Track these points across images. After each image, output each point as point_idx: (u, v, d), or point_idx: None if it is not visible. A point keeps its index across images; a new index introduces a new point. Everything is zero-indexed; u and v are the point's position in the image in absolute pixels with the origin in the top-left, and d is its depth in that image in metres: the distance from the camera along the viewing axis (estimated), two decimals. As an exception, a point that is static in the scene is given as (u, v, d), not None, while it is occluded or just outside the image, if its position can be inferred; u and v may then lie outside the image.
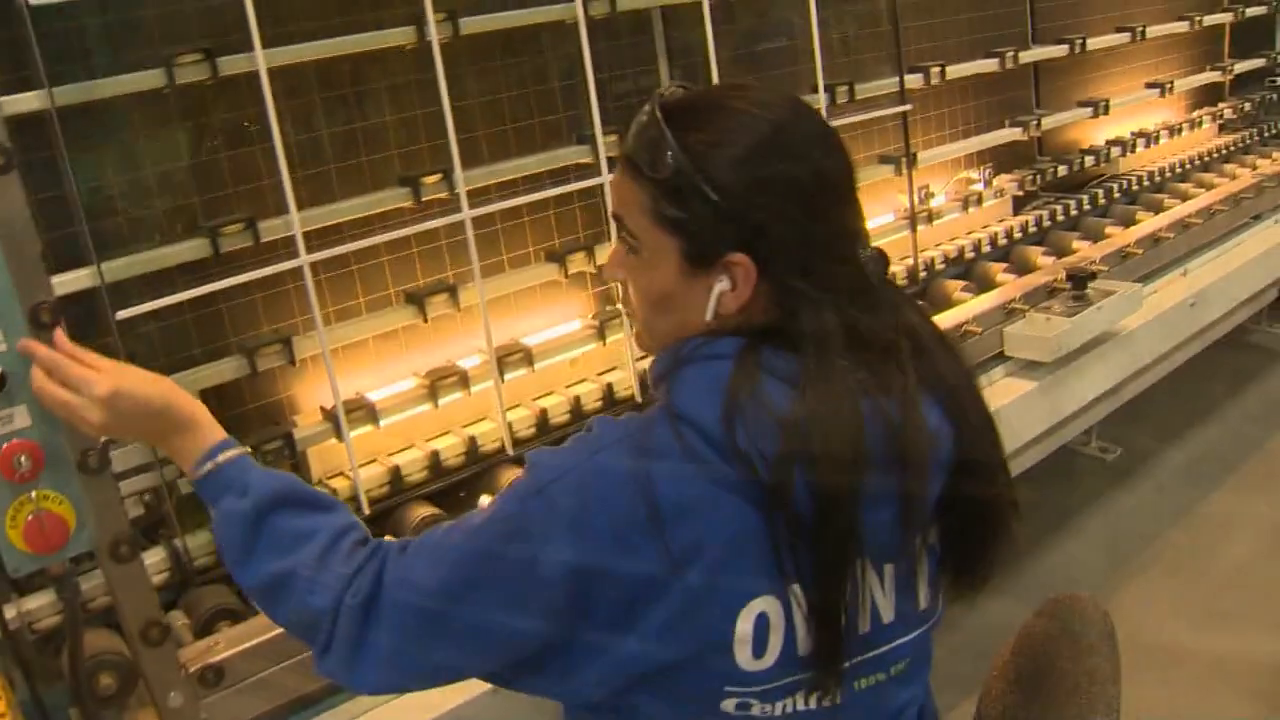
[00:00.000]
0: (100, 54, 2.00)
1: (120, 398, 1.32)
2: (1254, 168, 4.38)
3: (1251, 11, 4.74)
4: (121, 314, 1.86)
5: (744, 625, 1.12)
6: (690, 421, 1.12)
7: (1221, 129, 4.80)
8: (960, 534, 1.25)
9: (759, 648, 1.13)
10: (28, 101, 1.79)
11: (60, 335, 1.43)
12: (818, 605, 1.12)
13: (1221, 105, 4.74)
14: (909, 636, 1.25)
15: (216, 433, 1.38)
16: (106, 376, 1.33)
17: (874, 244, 1.21)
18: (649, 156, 1.16)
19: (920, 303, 1.34)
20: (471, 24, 2.27)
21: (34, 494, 1.46)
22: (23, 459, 1.43)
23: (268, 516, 1.29)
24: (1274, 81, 5.04)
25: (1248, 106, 4.83)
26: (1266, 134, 4.83)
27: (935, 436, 1.17)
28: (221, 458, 1.34)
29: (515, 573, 1.12)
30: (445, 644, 1.16)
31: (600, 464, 1.13)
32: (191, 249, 2.02)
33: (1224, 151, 4.55)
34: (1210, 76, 4.61)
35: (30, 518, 1.46)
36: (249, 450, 1.40)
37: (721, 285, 1.16)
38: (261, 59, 1.96)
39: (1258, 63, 4.90)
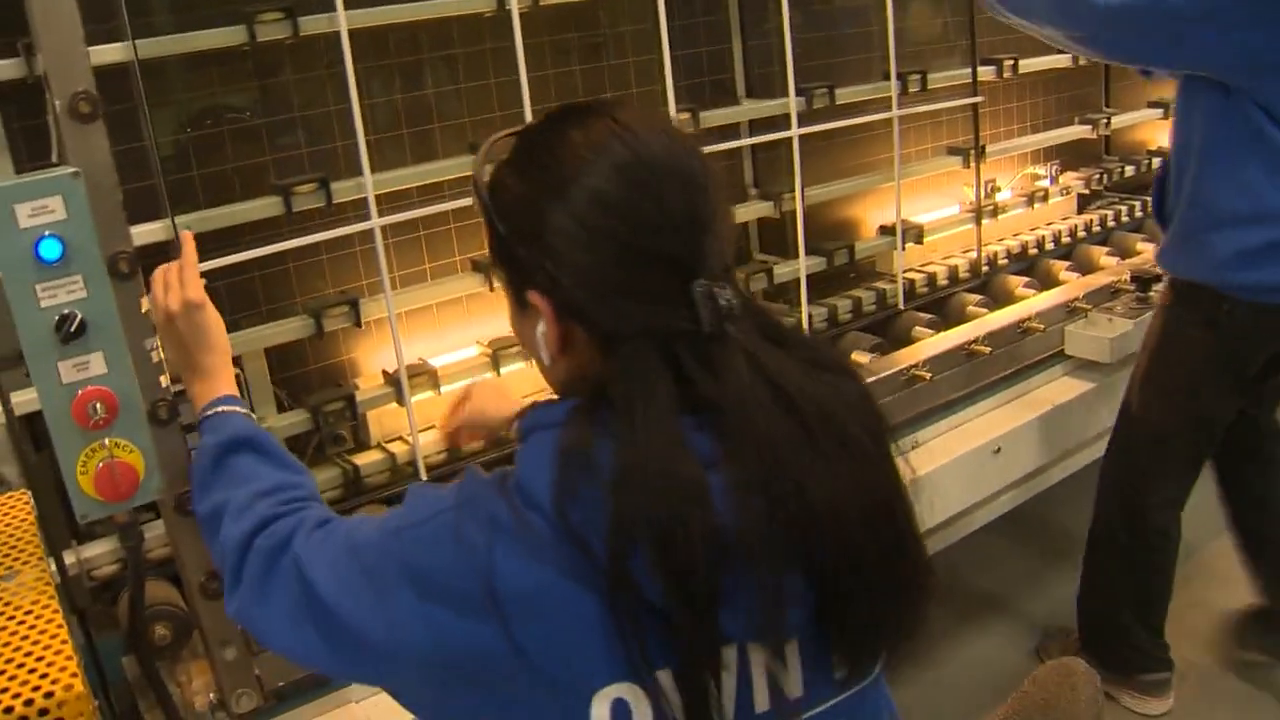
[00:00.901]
0: (183, 8, 2.00)
1: (194, 312, 1.49)
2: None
3: None
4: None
5: (600, 711, 1.02)
6: (529, 498, 1.03)
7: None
8: (855, 608, 1.08)
9: None
10: (112, 53, 1.80)
11: (189, 239, 1.56)
12: (684, 694, 1.01)
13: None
14: (832, 702, 1.12)
15: (226, 388, 1.52)
16: (199, 294, 1.50)
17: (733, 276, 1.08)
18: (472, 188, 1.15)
19: (817, 342, 1.20)
20: (551, -5, 2.27)
21: (107, 442, 1.46)
22: (98, 406, 1.43)
23: (229, 455, 1.41)
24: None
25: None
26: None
27: (802, 501, 1.01)
28: (222, 408, 1.48)
29: (375, 603, 1.08)
30: (314, 635, 1.15)
31: (451, 524, 1.06)
32: (265, 206, 2.03)
33: None
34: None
35: (101, 465, 1.47)
36: (247, 412, 1.51)
37: (541, 326, 1.10)
38: (344, 19, 1.95)
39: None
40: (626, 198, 1.04)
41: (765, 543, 0.99)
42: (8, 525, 1.66)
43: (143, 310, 1.55)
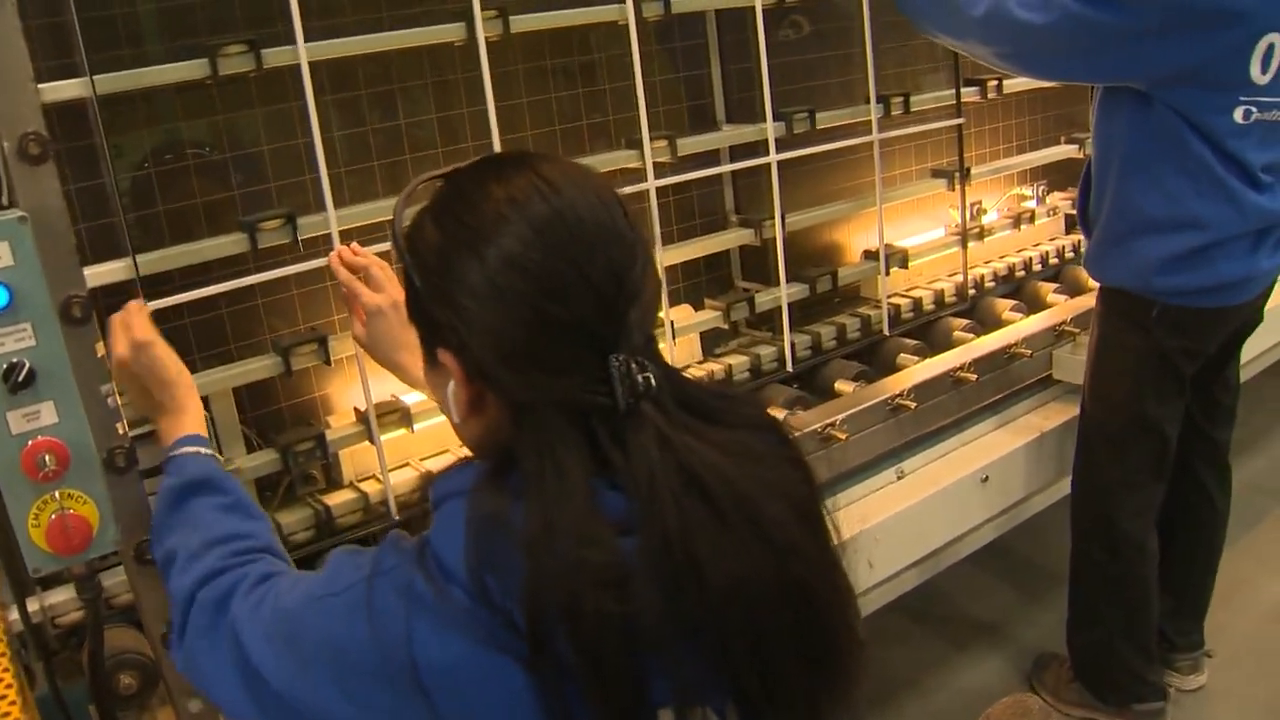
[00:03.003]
0: (143, 42, 1.97)
1: (143, 352, 1.52)
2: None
3: None
4: (154, 304, 1.82)
5: None
6: (445, 570, 1.01)
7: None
8: (772, 684, 1.02)
9: None
10: (70, 89, 1.76)
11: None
12: None
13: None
14: None
15: (191, 427, 1.53)
16: (146, 332, 1.53)
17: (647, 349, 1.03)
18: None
19: (744, 416, 1.09)
20: (522, 22, 2.22)
21: (58, 494, 1.42)
22: (48, 457, 1.39)
23: (187, 499, 1.43)
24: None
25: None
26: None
27: (701, 583, 0.96)
28: (184, 449, 1.50)
29: (298, 672, 1.07)
30: (248, 696, 1.14)
31: (367, 596, 1.03)
32: (230, 244, 1.98)
33: None
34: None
35: (53, 518, 1.42)
36: (211, 453, 1.52)
37: (452, 385, 1.06)
38: (304, 52, 1.91)
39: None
40: (544, 262, 0.99)
41: (667, 621, 0.95)
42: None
43: (98, 355, 1.51)
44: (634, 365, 0.99)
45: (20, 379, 1.36)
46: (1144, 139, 2.29)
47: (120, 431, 1.52)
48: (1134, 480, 2.58)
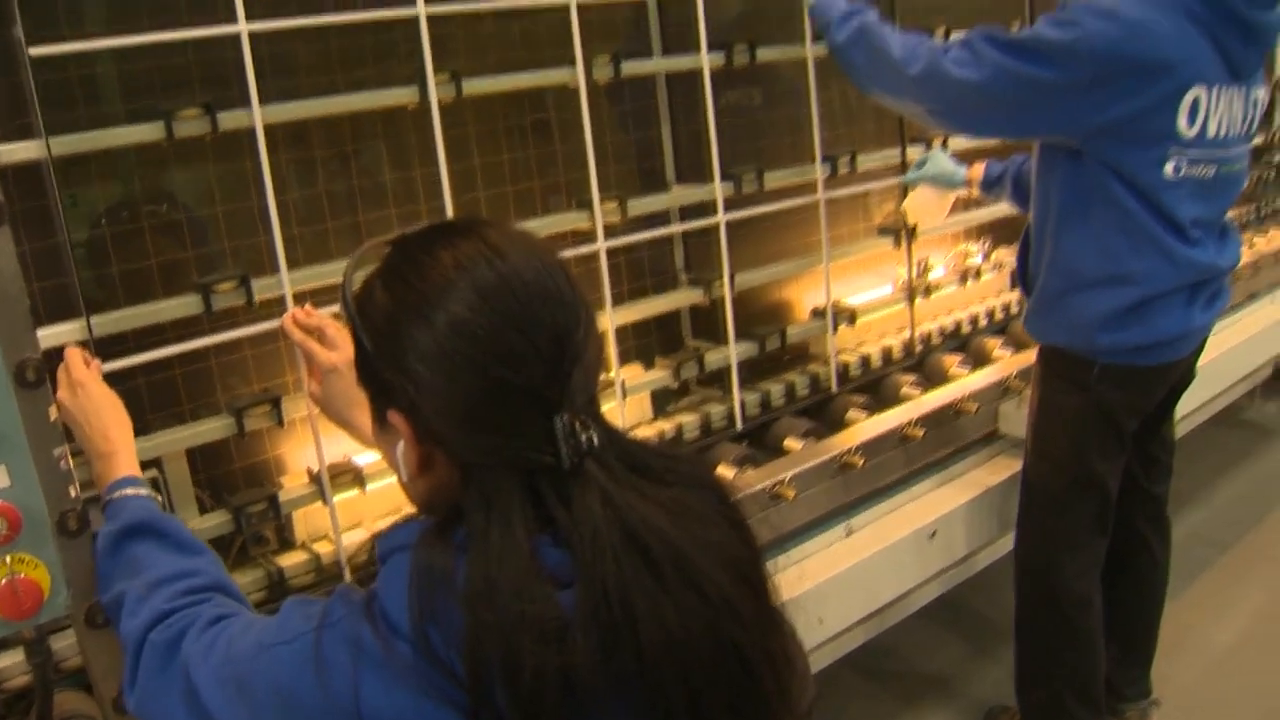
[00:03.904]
0: (99, 102, 1.98)
1: (79, 391, 1.60)
2: (1250, 245, 4.39)
3: None
4: (108, 366, 1.82)
5: None
6: (391, 623, 1.03)
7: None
8: None
9: None
10: (24, 151, 1.77)
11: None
12: None
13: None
14: None
15: (125, 469, 1.58)
16: (82, 372, 1.63)
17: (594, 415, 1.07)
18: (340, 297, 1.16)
19: (689, 472, 1.13)
20: (474, 85, 2.26)
21: (9, 558, 1.42)
22: (1, 523, 1.39)
23: (127, 542, 1.45)
24: (1271, 160, 5.07)
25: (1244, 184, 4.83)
26: (1264, 212, 4.85)
27: (636, 640, 0.99)
28: (122, 491, 1.53)
29: (249, 718, 1.10)
30: None
31: (314, 647, 1.06)
32: (184, 305, 1.99)
33: None
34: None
35: (3, 582, 1.42)
36: (148, 493, 1.56)
37: (402, 445, 1.09)
38: (259, 115, 1.93)
39: (1256, 139, 4.93)
40: (491, 327, 1.03)
41: (603, 676, 0.97)
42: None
43: (51, 418, 1.51)
44: (577, 425, 1.03)
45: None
46: (1078, 195, 2.35)
47: (72, 494, 1.52)
48: (1078, 537, 2.62)
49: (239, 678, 1.11)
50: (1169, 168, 2.27)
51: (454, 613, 0.98)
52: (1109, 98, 2.20)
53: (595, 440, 1.03)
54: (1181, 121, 2.23)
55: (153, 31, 1.88)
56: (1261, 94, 2.39)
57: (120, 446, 1.59)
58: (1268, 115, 5.14)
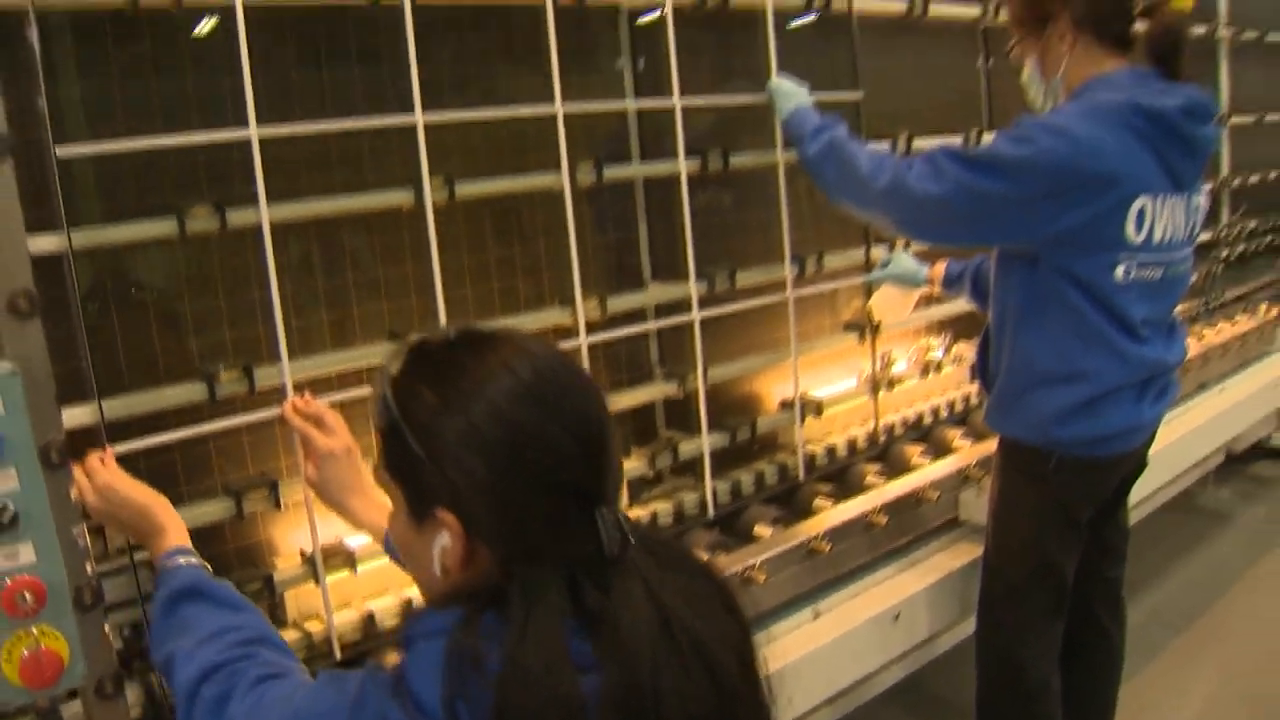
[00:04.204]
0: (116, 199, 2.10)
1: (110, 494, 1.70)
2: (1200, 338, 4.57)
3: None
4: (118, 449, 1.91)
5: None
6: (420, 705, 1.09)
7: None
8: None
9: None
10: (47, 243, 1.87)
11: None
12: None
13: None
14: None
15: (175, 540, 1.68)
16: (105, 477, 1.71)
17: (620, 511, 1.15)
18: (375, 407, 1.21)
19: (702, 564, 1.25)
20: (466, 188, 2.41)
21: (34, 630, 1.51)
22: (27, 595, 1.49)
23: (178, 605, 1.52)
24: (1219, 256, 5.29)
25: (1194, 279, 5.03)
26: (1212, 305, 5.06)
27: (658, 715, 1.07)
28: (174, 560, 1.62)
29: None
30: None
31: None
32: (189, 391, 2.10)
33: None
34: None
35: (26, 653, 1.51)
36: (198, 561, 1.64)
37: (442, 541, 1.16)
38: (265, 214, 2.06)
39: (1203, 236, 5.15)
40: (537, 423, 1.12)
41: None
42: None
43: (72, 497, 1.61)
44: (617, 517, 1.12)
45: (5, 521, 1.46)
46: (1035, 299, 2.47)
47: (89, 570, 1.62)
48: (1036, 622, 2.71)
49: None
50: (1119, 272, 2.39)
51: (484, 694, 1.04)
52: (1061, 209, 2.33)
53: (631, 533, 1.13)
54: (1130, 229, 2.36)
55: (167, 134, 2.01)
56: (1201, 200, 2.55)
57: (164, 522, 1.70)
58: (1214, 215, 5.40)
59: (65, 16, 2.02)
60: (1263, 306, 5.13)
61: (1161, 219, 2.40)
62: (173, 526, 1.70)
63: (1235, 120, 5.51)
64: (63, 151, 1.85)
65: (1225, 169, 5.54)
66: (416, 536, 1.20)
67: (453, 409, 1.14)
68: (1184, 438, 3.91)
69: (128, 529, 1.73)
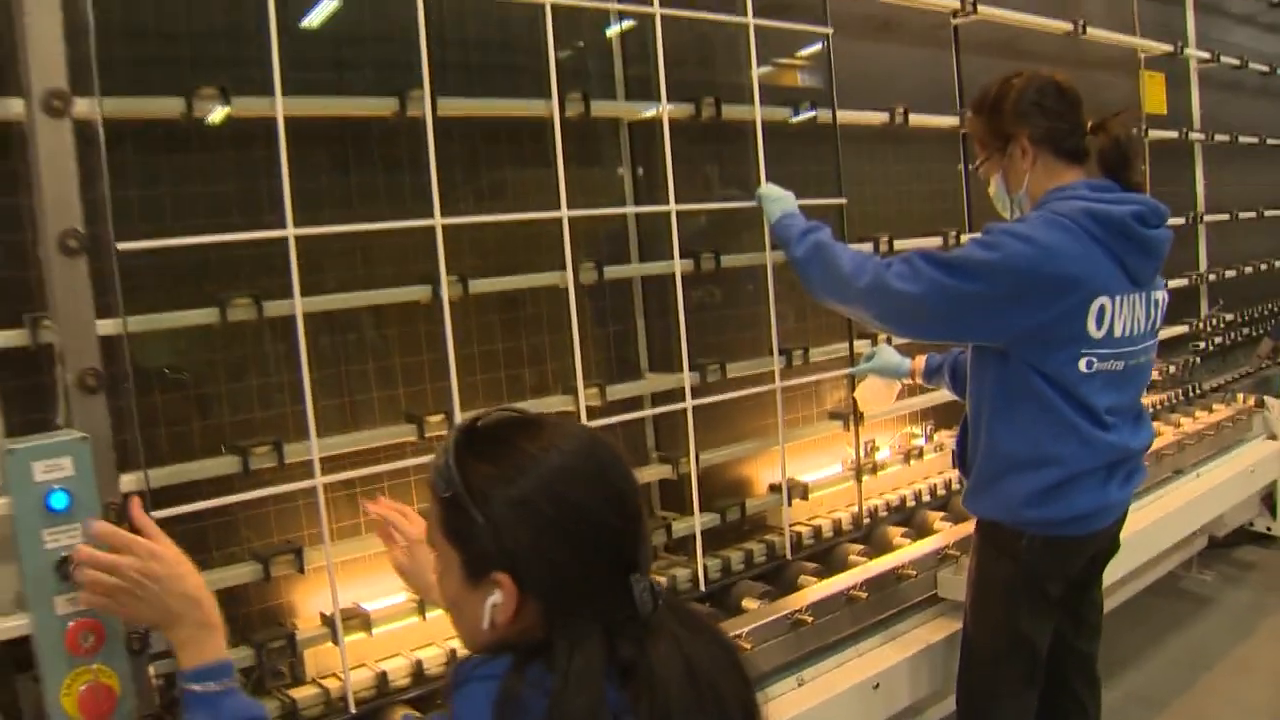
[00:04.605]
0: (165, 288, 2.34)
1: (146, 581, 1.60)
2: (1178, 425, 4.78)
3: (1171, 284, 5.27)
4: (157, 514, 2.11)
5: None
6: None
7: (1149, 389, 5.23)
8: None
9: None
10: (106, 327, 2.07)
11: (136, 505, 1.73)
12: None
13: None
14: None
15: (223, 650, 1.64)
16: (163, 550, 1.64)
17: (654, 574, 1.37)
18: (437, 478, 1.37)
19: (713, 628, 1.46)
20: (478, 285, 2.66)
21: (95, 667, 1.72)
22: (90, 635, 1.70)
23: None
24: (1197, 346, 5.53)
25: (1173, 369, 5.30)
26: (1192, 394, 5.29)
27: None
28: (221, 683, 1.60)
29: None
30: None
31: None
32: (225, 464, 2.33)
33: (1153, 410, 4.93)
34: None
35: (85, 688, 1.72)
36: (238, 682, 1.66)
37: (493, 599, 1.32)
38: (299, 304, 2.31)
39: (1180, 329, 5.42)
40: (586, 498, 1.33)
41: None
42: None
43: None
44: (649, 582, 1.32)
45: (73, 569, 1.67)
46: (1007, 390, 2.66)
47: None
48: (1011, 690, 2.85)
49: None
50: (1082, 364, 2.58)
51: None
52: (1027, 308, 2.53)
53: (660, 598, 1.33)
54: (1091, 326, 2.56)
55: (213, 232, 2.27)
56: (1160, 295, 2.75)
57: (218, 622, 1.66)
58: (1192, 308, 5.65)
59: (126, 126, 2.26)
60: (1239, 396, 5.35)
61: (1121, 315, 2.60)
62: (219, 625, 1.66)
63: (1210, 218, 5.80)
64: (123, 246, 2.08)
65: (1203, 264, 5.82)
66: (469, 594, 1.36)
67: (509, 482, 1.32)
68: (1160, 521, 4.10)
69: (167, 615, 1.62)
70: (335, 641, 2.44)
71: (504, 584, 1.32)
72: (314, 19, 2.60)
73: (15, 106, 1.96)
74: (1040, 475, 2.64)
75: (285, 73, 2.27)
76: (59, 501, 1.68)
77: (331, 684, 2.46)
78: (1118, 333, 2.60)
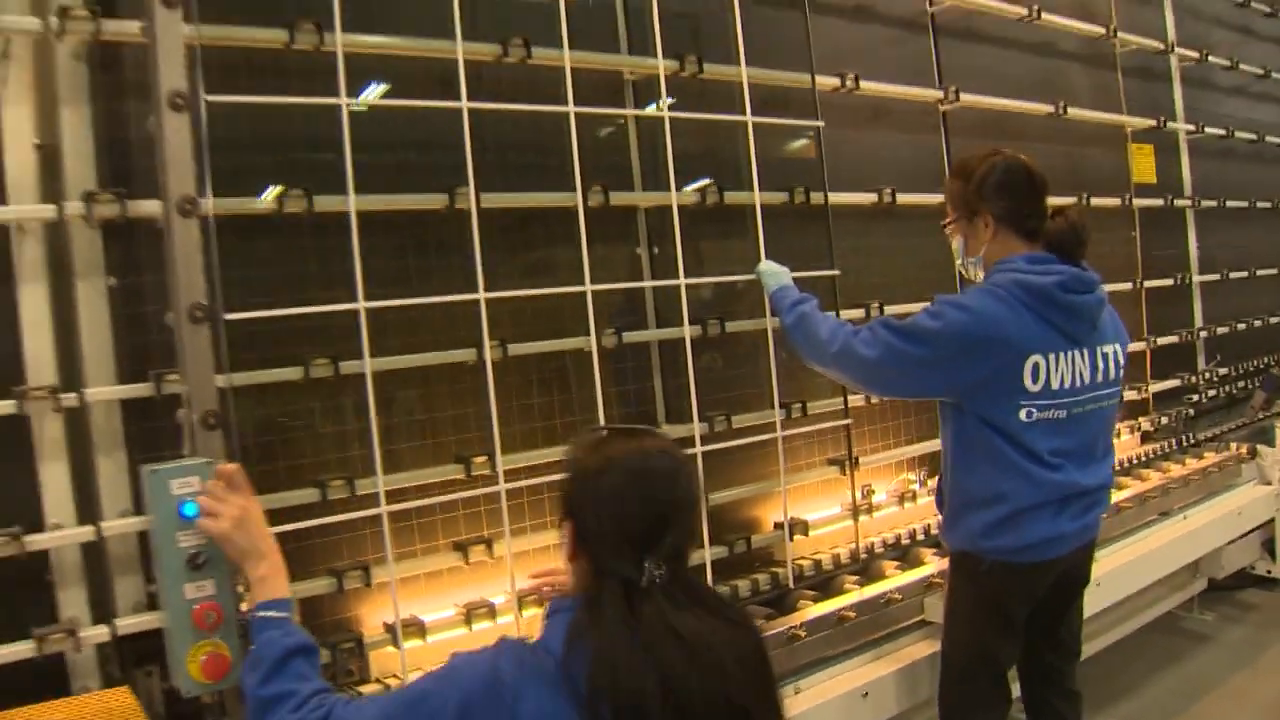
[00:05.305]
0: (256, 347, 2.84)
1: (248, 519, 2.19)
2: (1165, 472, 5.18)
3: (1163, 340, 5.79)
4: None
5: None
6: (549, 650, 1.74)
7: (1144, 439, 5.70)
8: None
9: None
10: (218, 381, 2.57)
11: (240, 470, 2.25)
12: None
13: (1141, 419, 5.66)
14: None
15: (289, 591, 2.17)
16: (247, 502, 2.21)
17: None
18: (566, 459, 1.93)
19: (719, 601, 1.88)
20: (516, 349, 3.19)
21: (216, 639, 2.22)
22: (211, 614, 2.21)
23: (293, 658, 2.02)
24: (1191, 399, 5.92)
25: (1165, 420, 5.72)
26: (1185, 444, 5.70)
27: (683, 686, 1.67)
28: (286, 614, 2.11)
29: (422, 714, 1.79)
30: None
31: (491, 662, 1.76)
32: (307, 495, 2.85)
33: (1145, 458, 5.41)
34: (1128, 395, 5.41)
35: (205, 657, 2.21)
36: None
37: (564, 536, 1.86)
38: (369, 364, 2.82)
39: (1173, 383, 5.87)
40: (628, 499, 1.79)
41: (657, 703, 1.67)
42: (120, 706, 2.37)
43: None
44: (649, 564, 1.75)
45: (199, 563, 2.19)
46: (963, 438, 3.06)
47: (244, 608, 2.32)
48: (980, 700, 3.22)
49: (408, 701, 1.80)
50: (1023, 414, 2.96)
51: (586, 652, 1.69)
52: (967, 367, 2.94)
53: (659, 576, 1.75)
54: (1027, 380, 2.94)
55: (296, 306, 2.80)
56: (1111, 349, 3.11)
57: (282, 567, 2.17)
58: (1189, 363, 6.00)
59: (229, 219, 2.76)
60: (1232, 445, 5.71)
61: (1057, 371, 2.97)
62: (283, 570, 2.18)
63: (1202, 278, 6.20)
64: (229, 316, 2.59)
65: (1198, 320, 6.21)
66: (573, 564, 1.87)
67: (584, 464, 1.87)
68: (1142, 558, 4.48)
69: (247, 554, 2.15)
70: (396, 646, 2.92)
71: (566, 528, 1.85)
72: (380, 131, 3.13)
73: (150, 207, 2.52)
74: (993, 510, 3.01)
75: (356, 175, 2.80)
76: (190, 510, 2.19)
77: (393, 683, 2.93)
78: (1055, 385, 2.97)
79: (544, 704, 1.69)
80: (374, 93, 3.16)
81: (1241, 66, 6.81)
